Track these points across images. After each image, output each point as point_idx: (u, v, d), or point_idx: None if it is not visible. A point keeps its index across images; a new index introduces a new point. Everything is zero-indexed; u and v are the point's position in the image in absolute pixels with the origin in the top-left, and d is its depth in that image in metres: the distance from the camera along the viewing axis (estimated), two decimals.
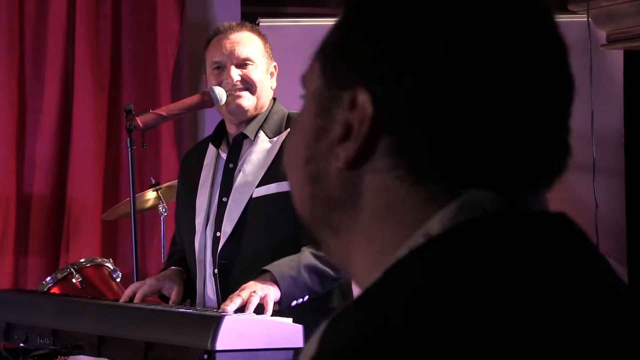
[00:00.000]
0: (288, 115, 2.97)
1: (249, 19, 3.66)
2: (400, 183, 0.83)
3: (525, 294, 0.78)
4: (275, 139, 2.92)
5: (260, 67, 2.95)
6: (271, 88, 2.99)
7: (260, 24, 4.48)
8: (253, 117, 2.96)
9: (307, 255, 2.72)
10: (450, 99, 0.81)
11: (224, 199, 2.92)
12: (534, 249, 0.81)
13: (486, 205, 0.82)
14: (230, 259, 2.86)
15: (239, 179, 2.91)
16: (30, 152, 4.69)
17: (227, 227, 2.87)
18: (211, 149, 3.03)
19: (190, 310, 2.60)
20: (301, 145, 0.90)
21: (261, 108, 2.96)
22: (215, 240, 2.90)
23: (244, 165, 2.92)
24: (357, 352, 0.75)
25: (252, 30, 3.02)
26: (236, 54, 2.94)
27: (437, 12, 0.83)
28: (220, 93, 2.95)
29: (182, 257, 3.06)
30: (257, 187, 2.87)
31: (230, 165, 2.96)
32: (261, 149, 2.92)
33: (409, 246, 0.81)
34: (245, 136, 2.96)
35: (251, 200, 2.86)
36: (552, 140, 0.85)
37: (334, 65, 0.88)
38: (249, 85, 2.93)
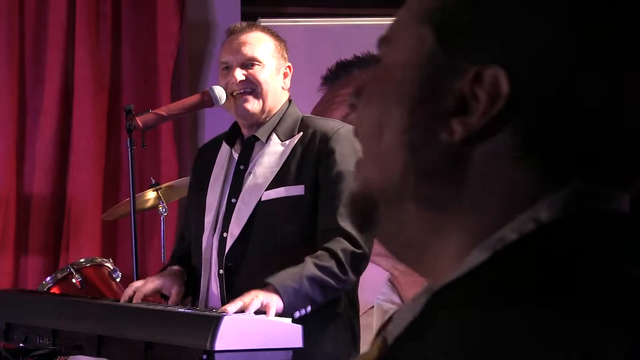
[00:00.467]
0: (302, 118, 2.96)
1: (249, 19, 3.67)
2: (515, 164, 0.81)
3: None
4: (287, 142, 2.91)
5: (268, 68, 2.93)
6: (283, 89, 2.97)
7: (260, 24, 4.47)
8: (265, 120, 2.94)
9: (309, 266, 2.71)
10: (586, 91, 0.80)
11: (233, 200, 2.92)
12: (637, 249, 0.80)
13: (595, 198, 0.81)
14: (236, 261, 2.86)
15: (249, 181, 2.90)
16: (30, 152, 4.69)
17: (235, 230, 2.87)
18: (225, 147, 3.02)
19: (190, 311, 2.60)
20: (396, 111, 0.86)
21: (270, 110, 2.94)
22: (222, 240, 2.89)
23: (255, 168, 2.91)
24: (487, 352, 0.72)
25: (263, 30, 3.01)
26: (242, 54, 2.94)
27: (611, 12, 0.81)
28: (220, 93, 2.95)
29: (184, 254, 3.06)
30: (266, 190, 2.86)
31: (241, 167, 2.95)
32: (272, 152, 2.90)
33: (518, 230, 0.80)
34: (257, 138, 2.95)
35: (260, 203, 2.86)
36: None
37: (456, 35, 0.84)
38: (254, 86, 2.92)
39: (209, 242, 2.92)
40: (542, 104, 0.81)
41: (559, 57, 0.80)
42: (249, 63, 2.94)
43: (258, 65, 2.94)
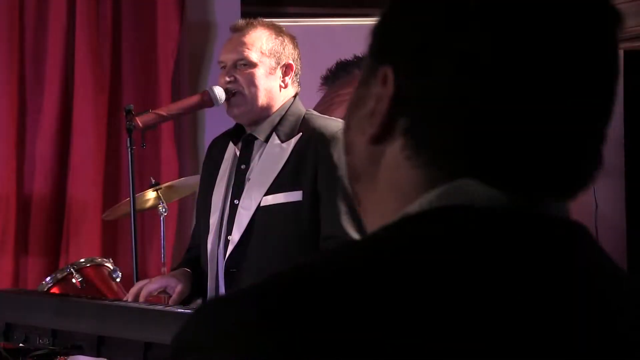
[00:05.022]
0: (304, 116, 2.93)
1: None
2: (410, 163, 0.84)
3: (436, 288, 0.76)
4: (286, 143, 2.88)
5: (261, 68, 2.91)
6: (281, 87, 2.94)
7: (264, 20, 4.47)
8: (261, 118, 2.92)
9: None
10: (468, 92, 0.81)
11: (235, 202, 2.91)
12: (491, 242, 0.79)
13: (474, 195, 0.81)
14: (237, 267, 2.85)
15: (249, 184, 2.89)
16: (30, 152, 4.69)
17: (235, 235, 2.86)
18: (232, 144, 3.01)
19: (190, 311, 2.60)
20: (346, 114, 0.93)
21: (264, 110, 2.91)
22: (227, 243, 2.89)
23: (254, 170, 2.89)
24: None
25: (264, 27, 2.97)
26: (233, 54, 2.94)
27: (473, 5, 0.82)
28: (220, 93, 2.94)
29: (194, 257, 3.05)
30: (265, 195, 2.85)
31: (242, 167, 2.94)
32: (272, 154, 2.88)
33: (386, 225, 0.83)
34: (255, 137, 2.94)
35: (259, 208, 2.84)
36: (579, 149, 0.83)
37: (378, 41, 0.90)
38: (240, 87, 2.91)
39: (214, 244, 2.92)
40: (422, 103, 0.83)
41: (430, 55, 0.83)
42: (239, 64, 2.92)
43: (247, 66, 2.91)
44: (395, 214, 0.84)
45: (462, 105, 0.82)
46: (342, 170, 2.76)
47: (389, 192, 0.86)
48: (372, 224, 0.88)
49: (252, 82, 2.90)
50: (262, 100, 2.91)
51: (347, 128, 0.92)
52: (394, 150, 0.85)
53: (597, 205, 4.36)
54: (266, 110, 2.93)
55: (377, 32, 0.90)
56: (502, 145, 0.81)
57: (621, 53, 4.92)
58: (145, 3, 4.77)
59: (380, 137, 0.86)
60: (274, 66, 2.93)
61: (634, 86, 4.73)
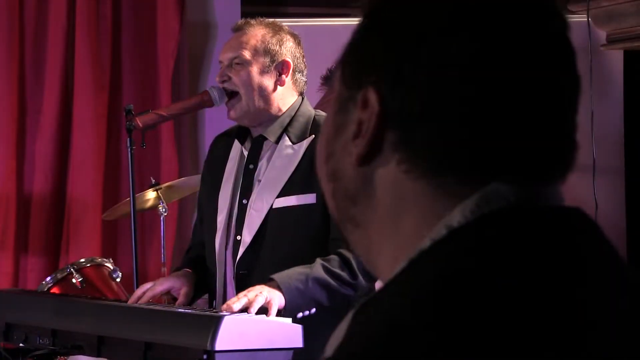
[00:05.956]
0: (314, 117, 2.91)
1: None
2: (408, 176, 0.86)
3: (542, 291, 0.80)
4: (298, 145, 2.86)
5: (254, 67, 2.88)
6: (277, 85, 2.90)
7: (265, 19, 4.47)
8: (266, 118, 2.91)
9: (318, 268, 2.69)
10: (463, 94, 0.84)
11: (244, 202, 2.89)
12: (554, 244, 0.83)
13: (508, 197, 0.84)
14: (248, 269, 2.84)
15: (260, 184, 2.87)
16: (30, 152, 4.69)
17: (247, 237, 2.84)
18: (237, 143, 2.98)
19: (190, 311, 2.60)
20: (322, 145, 0.94)
21: (261, 109, 2.88)
22: (236, 243, 2.87)
23: (265, 171, 2.87)
24: (379, 345, 0.77)
25: (262, 26, 2.95)
26: (228, 54, 2.93)
27: (448, 11, 0.85)
28: (220, 93, 2.94)
29: (196, 256, 3.04)
30: (277, 197, 2.83)
31: (251, 166, 2.92)
32: (284, 155, 2.86)
33: (432, 238, 0.83)
34: (265, 137, 2.92)
35: (271, 210, 2.83)
36: (563, 134, 0.87)
37: (350, 67, 0.91)
38: (234, 86, 2.91)
39: (222, 244, 2.90)
40: (418, 116, 0.85)
41: (412, 68, 0.85)
42: (234, 63, 2.91)
43: (241, 64, 2.89)
44: (416, 229, 0.85)
45: (452, 111, 0.84)
46: None
47: (395, 209, 0.87)
48: (379, 242, 0.89)
49: (244, 81, 2.88)
50: (257, 99, 2.88)
51: (328, 157, 0.93)
52: (389, 167, 0.87)
53: (597, 205, 4.35)
54: (265, 110, 2.89)
55: (346, 61, 0.92)
56: (500, 142, 0.84)
57: (621, 53, 4.93)
58: (145, 3, 4.77)
59: (369, 156, 0.88)
60: (269, 64, 2.89)
61: (634, 86, 4.73)
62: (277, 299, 2.59)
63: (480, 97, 0.84)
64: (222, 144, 3.05)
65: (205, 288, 2.98)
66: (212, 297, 2.96)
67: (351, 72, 0.91)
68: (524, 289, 0.79)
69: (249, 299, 2.55)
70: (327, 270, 2.68)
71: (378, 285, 2.82)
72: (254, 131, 2.95)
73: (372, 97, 0.87)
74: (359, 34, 0.92)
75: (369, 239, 0.91)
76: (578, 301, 0.81)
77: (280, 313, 2.60)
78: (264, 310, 2.57)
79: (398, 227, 0.87)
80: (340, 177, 0.92)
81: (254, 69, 2.88)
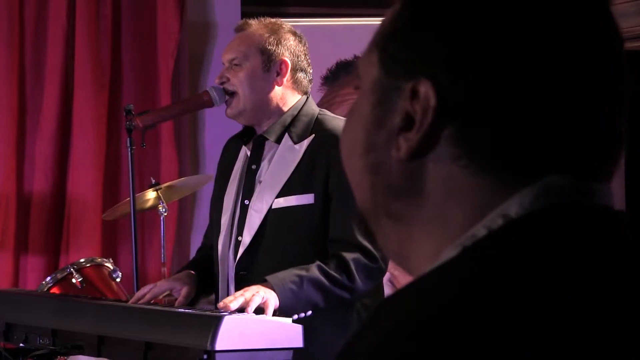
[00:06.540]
0: (317, 117, 2.90)
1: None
2: (465, 171, 0.84)
3: (599, 292, 0.79)
4: (299, 145, 2.85)
5: (250, 67, 2.88)
6: (275, 84, 2.89)
7: (265, 19, 4.47)
8: (266, 117, 2.90)
9: (314, 270, 2.68)
10: (528, 88, 0.83)
11: (246, 202, 2.89)
12: (612, 243, 0.82)
13: (567, 192, 0.83)
14: (247, 270, 2.84)
15: (260, 185, 2.87)
16: (30, 152, 4.69)
17: (246, 237, 2.84)
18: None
19: (190, 310, 2.61)
20: (359, 135, 0.90)
21: (259, 108, 2.87)
22: (237, 244, 2.88)
23: (266, 171, 2.87)
24: (401, 336, 0.75)
25: (260, 26, 2.95)
26: (226, 54, 2.94)
27: (507, 4, 0.84)
28: (220, 93, 2.94)
29: (203, 257, 3.05)
30: (277, 197, 2.82)
31: (253, 167, 2.92)
32: (284, 155, 2.85)
33: (487, 227, 0.82)
34: (266, 138, 2.92)
35: (270, 210, 2.83)
36: (616, 133, 0.87)
37: (393, 55, 0.88)
38: (232, 86, 2.91)
39: (225, 244, 2.90)
40: (474, 111, 0.83)
41: (468, 62, 0.83)
42: (232, 63, 2.92)
43: (239, 65, 2.90)
44: (465, 221, 0.84)
45: (517, 105, 0.83)
46: None
47: (445, 204, 0.85)
48: (419, 237, 0.87)
49: (241, 81, 2.88)
50: (254, 98, 2.88)
51: (368, 148, 0.89)
52: (443, 162, 0.84)
53: None
54: (262, 110, 2.89)
55: (387, 47, 0.88)
56: (558, 137, 0.83)
57: None
58: (145, 3, 4.77)
59: (421, 151, 0.85)
60: (266, 64, 2.89)
61: (633, 86, 4.73)
62: (273, 300, 2.60)
63: (544, 92, 0.82)
64: (233, 146, 3.05)
65: (211, 289, 2.98)
66: (217, 298, 2.96)
67: (395, 59, 0.87)
68: (569, 295, 0.77)
69: (245, 299, 2.55)
70: (323, 272, 2.67)
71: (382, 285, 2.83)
72: (257, 131, 2.95)
73: (427, 89, 0.84)
74: (402, 20, 0.88)
75: (407, 234, 0.88)
76: (622, 309, 0.79)
77: (275, 314, 2.60)
78: (260, 310, 2.57)
79: (445, 223, 0.85)
80: (383, 170, 0.88)
81: (251, 69, 2.88)
